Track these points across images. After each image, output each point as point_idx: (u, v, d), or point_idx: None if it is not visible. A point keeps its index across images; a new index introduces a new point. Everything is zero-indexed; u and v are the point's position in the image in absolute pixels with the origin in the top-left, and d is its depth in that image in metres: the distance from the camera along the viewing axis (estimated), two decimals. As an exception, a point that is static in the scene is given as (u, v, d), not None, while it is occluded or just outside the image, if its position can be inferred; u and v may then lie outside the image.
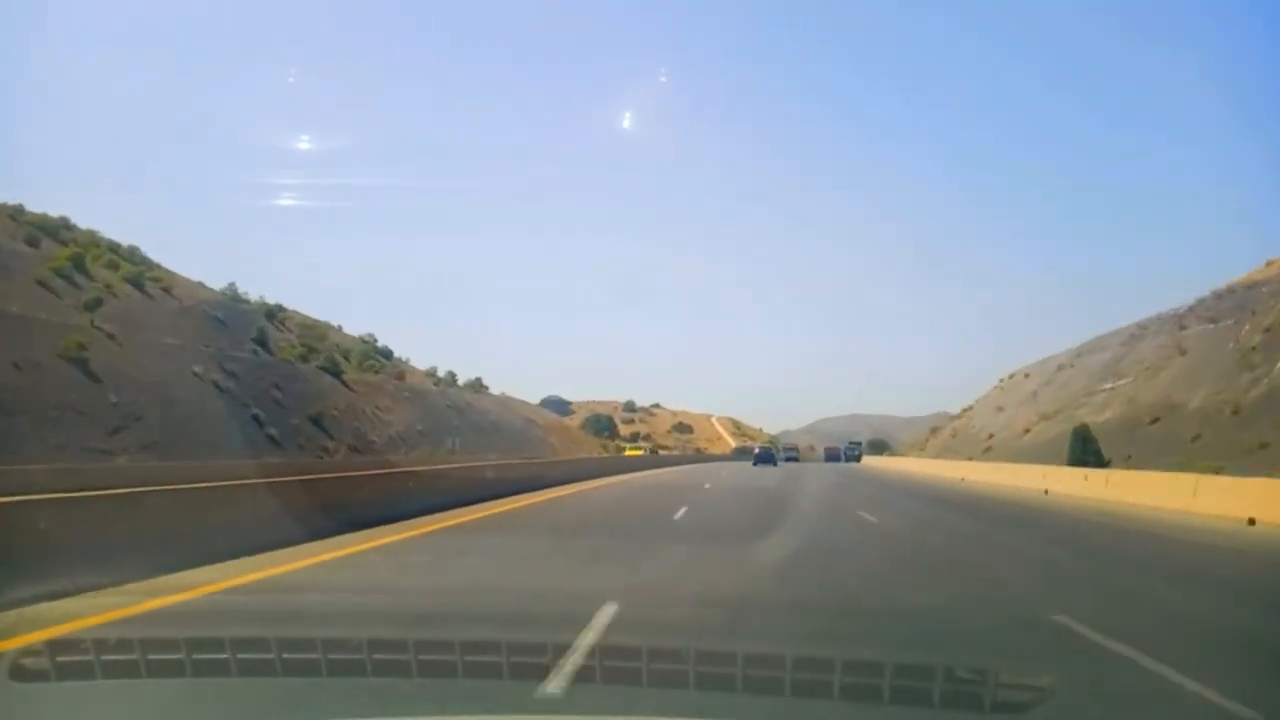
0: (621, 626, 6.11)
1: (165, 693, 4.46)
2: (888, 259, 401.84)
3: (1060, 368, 64.51)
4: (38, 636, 5.75)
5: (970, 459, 50.99)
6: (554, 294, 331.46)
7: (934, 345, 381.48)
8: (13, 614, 6.45)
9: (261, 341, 53.45)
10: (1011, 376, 77.20)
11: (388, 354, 77.44)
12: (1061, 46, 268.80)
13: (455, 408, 68.77)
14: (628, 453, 74.33)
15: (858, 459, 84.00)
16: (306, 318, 69.66)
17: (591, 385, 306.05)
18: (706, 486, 28.41)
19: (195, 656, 4.53)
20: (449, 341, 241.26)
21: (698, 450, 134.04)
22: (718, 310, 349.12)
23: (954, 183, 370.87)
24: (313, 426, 45.80)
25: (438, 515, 15.21)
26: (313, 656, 4.65)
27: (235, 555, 9.33)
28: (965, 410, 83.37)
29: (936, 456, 64.87)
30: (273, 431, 41.94)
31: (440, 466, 22.59)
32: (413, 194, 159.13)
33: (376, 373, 64.48)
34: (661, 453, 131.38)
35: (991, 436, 61.74)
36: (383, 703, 4.44)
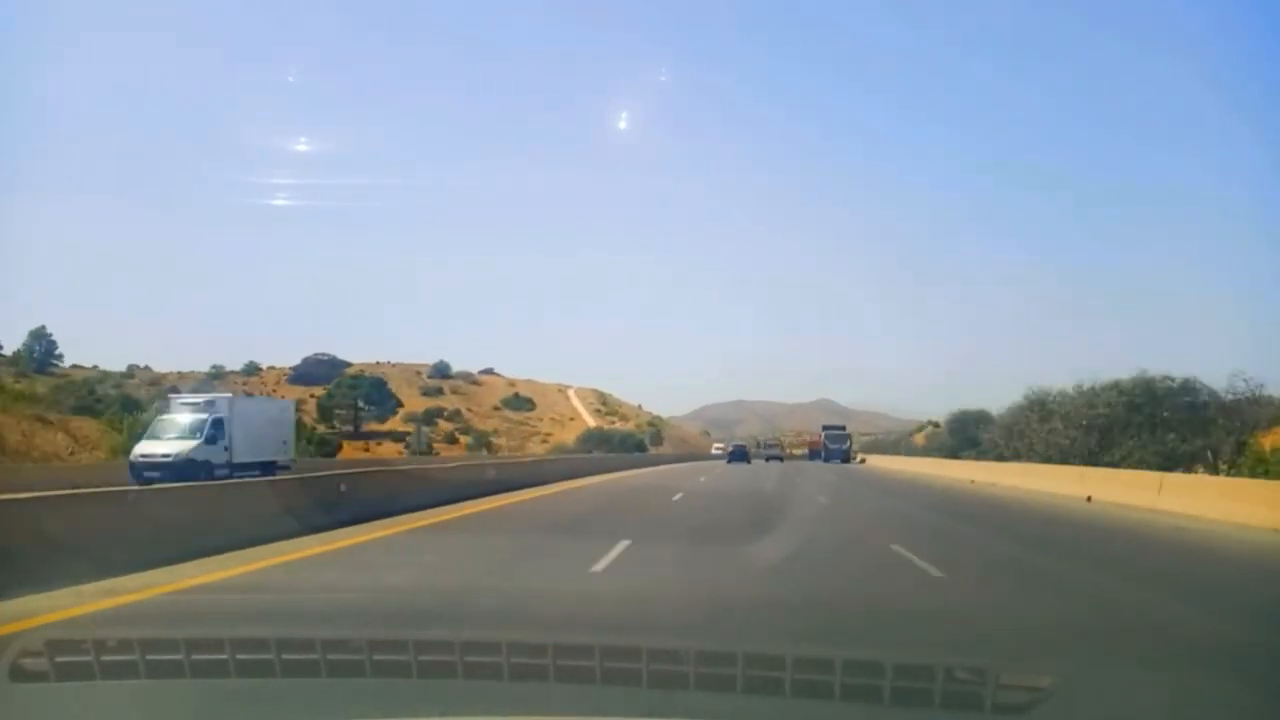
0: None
1: (164, 692, 4.47)
2: (792, 244, 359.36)
3: None
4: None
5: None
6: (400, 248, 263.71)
7: (824, 333, 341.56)
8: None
9: None
10: None
11: None
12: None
13: None
14: None
15: (846, 458, 66.37)
16: None
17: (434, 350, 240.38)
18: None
19: (194, 656, 4.50)
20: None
21: (486, 451, 76.47)
22: (606, 286, 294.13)
23: (858, 157, 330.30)
24: None
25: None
26: (312, 657, 4.63)
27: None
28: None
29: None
30: None
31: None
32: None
33: None
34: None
35: None
36: (383, 702, 4.47)
